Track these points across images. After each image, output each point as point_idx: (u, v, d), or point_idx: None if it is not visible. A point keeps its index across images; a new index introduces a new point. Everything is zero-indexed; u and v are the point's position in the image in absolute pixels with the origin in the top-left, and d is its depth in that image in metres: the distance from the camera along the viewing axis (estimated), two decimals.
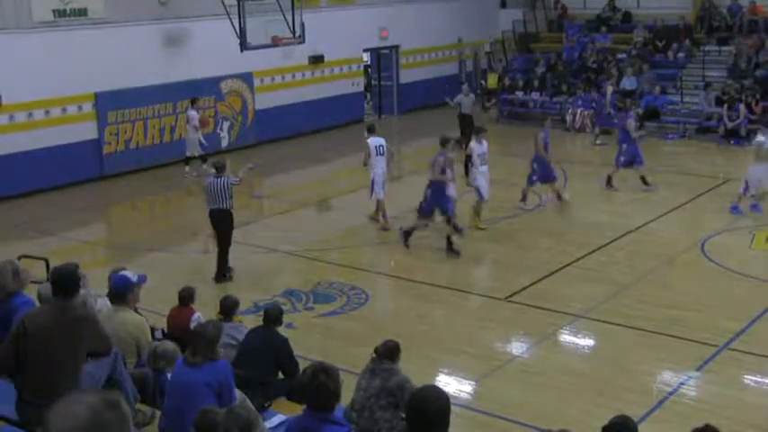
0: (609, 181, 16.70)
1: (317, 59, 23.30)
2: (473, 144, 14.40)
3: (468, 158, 14.38)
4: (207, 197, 12.21)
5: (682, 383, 8.84)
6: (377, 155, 14.54)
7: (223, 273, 12.27)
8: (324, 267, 12.79)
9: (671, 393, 8.63)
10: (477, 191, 14.10)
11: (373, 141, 14.66)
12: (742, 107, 20.69)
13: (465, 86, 21.56)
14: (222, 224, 12.19)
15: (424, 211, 13.24)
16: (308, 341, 9.79)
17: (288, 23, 18.10)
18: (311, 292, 11.70)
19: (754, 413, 8.22)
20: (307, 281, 12.15)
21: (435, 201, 13.00)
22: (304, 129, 22.97)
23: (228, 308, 8.34)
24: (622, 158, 16.50)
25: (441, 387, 4.61)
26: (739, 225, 14.15)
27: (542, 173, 15.54)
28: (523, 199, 15.50)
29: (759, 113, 20.99)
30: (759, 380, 9.04)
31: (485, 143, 14.28)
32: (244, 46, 17.41)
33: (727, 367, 9.24)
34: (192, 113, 18.69)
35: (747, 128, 20.55)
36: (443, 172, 12.87)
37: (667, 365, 9.38)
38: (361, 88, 25.74)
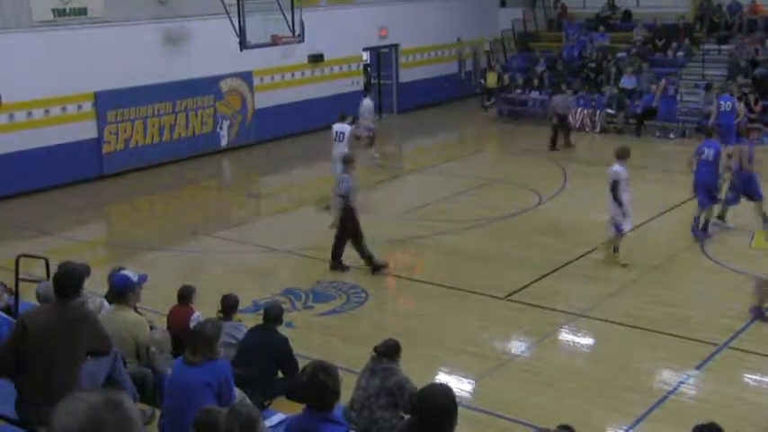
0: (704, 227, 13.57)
1: (316, 58, 23.30)
2: (617, 168, 12.11)
3: (615, 185, 12.05)
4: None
5: (681, 382, 8.83)
6: (336, 140, 15.69)
7: (338, 262, 12.48)
8: (323, 266, 12.77)
9: (671, 392, 8.62)
10: (617, 225, 12.23)
11: (336, 127, 15.92)
12: (741, 106, 20.66)
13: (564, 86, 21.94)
14: (341, 218, 12.33)
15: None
16: (308, 340, 9.78)
17: (287, 22, 18.08)
18: (311, 290, 11.70)
19: (755, 412, 8.21)
20: (306, 280, 12.14)
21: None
22: (303, 128, 22.96)
23: (229, 306, 8.35)
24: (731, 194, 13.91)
25: (448, 385, 4.61)
26: (739, 224, 14.13)
27: (744, 188, 13.56)
28: (721, 217, 13.87)
29: (758, 112, 21.00)
30: (759, 379, 9.03)
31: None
32: (243, 45, 17.39)
33: (727, 366, 9.24)
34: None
35: (747, 126, 20.53)
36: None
37: (667, 364, 9.38)
38: (361, 87, 25.74)
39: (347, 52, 24.39)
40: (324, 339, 10.16)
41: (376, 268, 12.31)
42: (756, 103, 21.10)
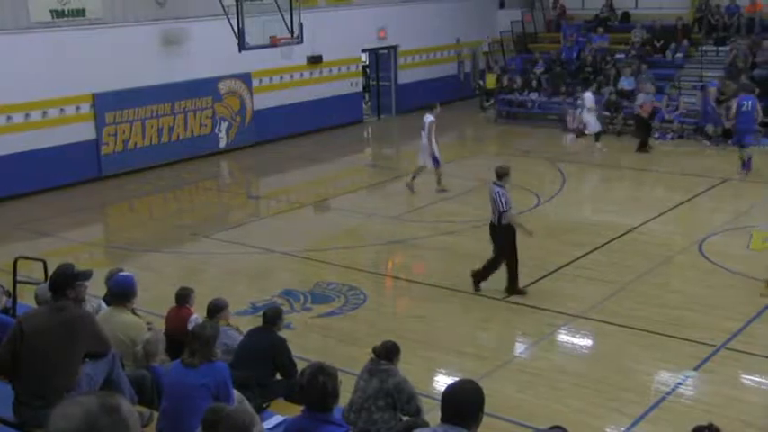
0: None
1: (315, 60, 23.30)
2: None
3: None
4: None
5: (679, 383, 8.84)
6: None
7: (513, 287, 11.31)
8: (322, 268, 12.79)
9: (668, 393, 8.63)
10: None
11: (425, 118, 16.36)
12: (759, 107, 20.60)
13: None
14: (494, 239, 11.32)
15: None
16: (307, 342, 9.79)
17: (286, 23, 18.11)
18: (309, 292, 11.70)
19: (753, 412, 8.23)
20: (305, 281, 12.15)
21: None
22: (302, 129, 22.98)
23: (211, 310, 8.15)
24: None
25: (476, 382, 4.67)
26: (737, 225, 14.16)
27: None
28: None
29: (760, 114, 20.96)
30: (757, 379, 9.04)
31: None
32: (242, 46, 17.41)
33: (724, 367, 9.25)
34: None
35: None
36: None
37: (665, 365, 9.39)
38: (360, 88, 25.75)
39: (346, 53, 24.40)
40: (322, 341, 10.17)
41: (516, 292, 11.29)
42: None
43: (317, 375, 4.63)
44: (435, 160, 16.66)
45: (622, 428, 7.98)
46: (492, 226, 11.28)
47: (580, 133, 21.63)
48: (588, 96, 21.28)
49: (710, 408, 8.11)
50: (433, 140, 16.61)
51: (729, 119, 18.98)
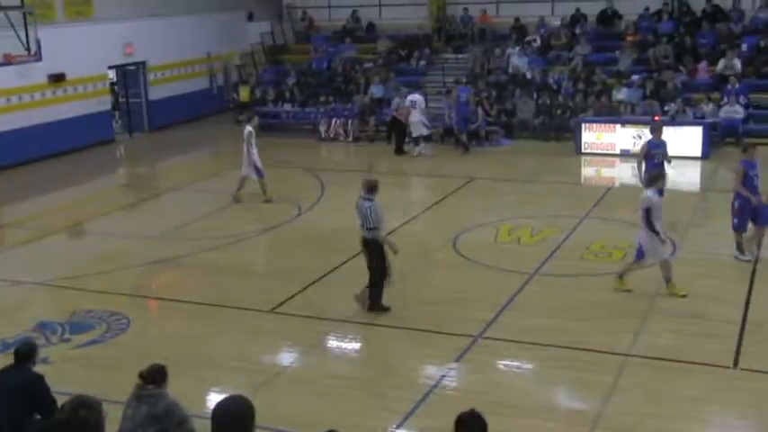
0: None
1: (57, 78, 22.11)
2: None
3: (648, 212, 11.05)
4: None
5: (443, 376, 9.29)
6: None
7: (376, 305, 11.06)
8: (80, 295, 12.14)
9: (434, 386, 9.04)
10: (640, 250, 11.31)
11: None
12: (480, 111, 22.10)
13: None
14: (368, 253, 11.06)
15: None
16: (67, 375, 9.25)
17: (21, 40, 17.03)
18: (67, 322, 11.07)
19: (513, 395, 8.79)
20: (61, 311, 11.47)
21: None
22: (47, 152, 21.68)
23: None
24: None
25: (245, 397, 4.59)
26: (485, 221, 15.11)
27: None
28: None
29: (495, 116, 22.56)
30: (512, 363, 9.70)
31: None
32: None
33: (482, 355, 9.83)
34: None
35: (486, 129, 22.03)
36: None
37: (429, 360, 9.82)
38: (109, 106, 24.75)
39: (91, 71, 23.35)
40: (85, 372, 9.66)
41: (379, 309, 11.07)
42: (492, 107, 22.65)
43: (77, 409, 4.39)
44: (258, 171, 16.66)
45: (393, 426, 8.24)
46: (364, 240, 11.07)
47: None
48: (419, 98, 21.50)
49: (474, 395, 8.59)
50: (254, 151, 16.59)
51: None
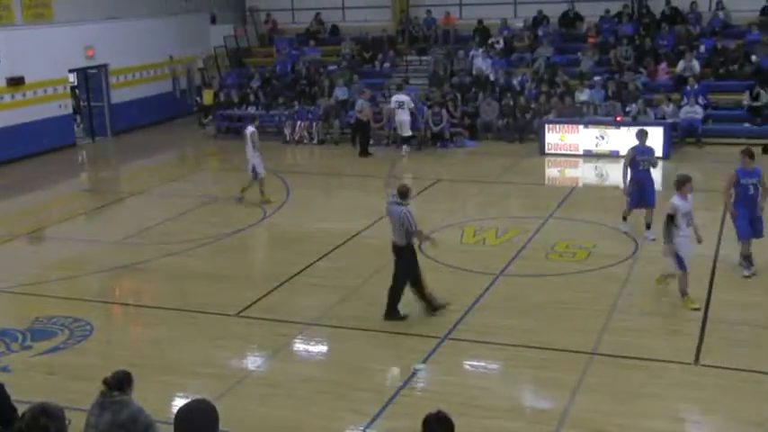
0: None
1: (16, 81, 21.79)
2: (675, 200, 10.86)
3: (671, 219, 10.79)
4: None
5: (411, 377, 9.30)
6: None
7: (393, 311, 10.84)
8: (42, 302, 11.96)
9: (401, 388, 9.04)
10: (680, 260, 10.87)
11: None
12: (444, 112, 22.18)
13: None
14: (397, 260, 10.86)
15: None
16: (28, 383, 9.11)
17: None
18: (28, 330, 10.91)
19: (479, 395, 8.82)
20: (22, 318, 11.30)
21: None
22: (5, 157, 21.37)
23: None
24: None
25: (209, 401, 4.54)
26: (451, 222, 15.15)
27: None
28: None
29: (459, 118, 22.65)
30: (476, 363, 9.74)
31: (690, 197, 10.97)
32: None
33: (448, 356, 9.85)
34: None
35: (450, 131, 22.13)
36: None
37: (396, 362, 9.84)
38: (70, 110, 24.45)
39: (51, 74, 23.04)
40: (47, 380, 9.51)
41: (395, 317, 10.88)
42: (456, 109, 22.74)
43: (38, 418, 4.32)
44: (254, 171, 16.70)
45: (361, 428, 8.23)
46: (395, 247, 10.89)
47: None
48: (407, 99, 21.56)
49: (440, 396, 8.61)
50: (255, 152, 16.61)
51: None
